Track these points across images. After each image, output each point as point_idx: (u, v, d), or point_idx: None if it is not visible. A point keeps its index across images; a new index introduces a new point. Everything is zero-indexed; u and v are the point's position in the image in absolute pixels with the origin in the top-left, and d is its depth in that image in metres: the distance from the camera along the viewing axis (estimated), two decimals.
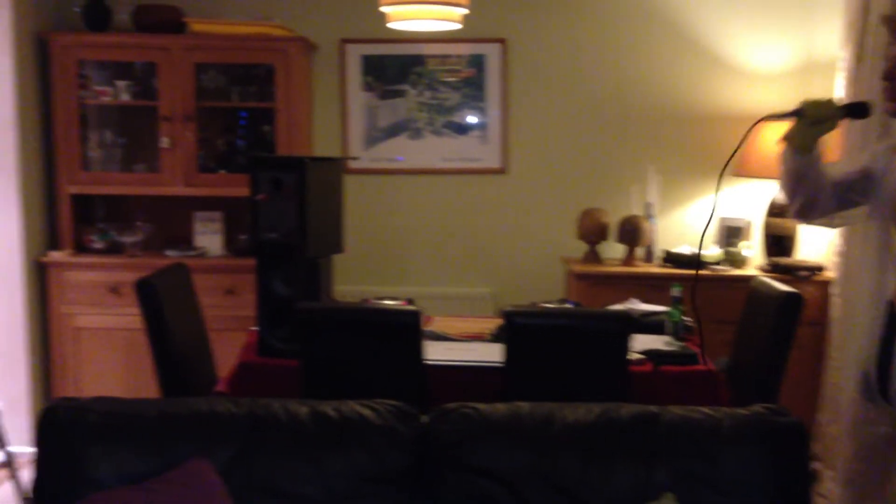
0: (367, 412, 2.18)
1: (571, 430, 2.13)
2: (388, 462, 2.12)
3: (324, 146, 4.64)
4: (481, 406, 2.22)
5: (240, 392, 3.05)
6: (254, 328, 3.37)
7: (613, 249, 4.50)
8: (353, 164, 4.58)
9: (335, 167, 3.44)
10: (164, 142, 4.28)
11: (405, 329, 2.84)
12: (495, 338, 3.25)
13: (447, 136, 4.66)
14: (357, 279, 4.55)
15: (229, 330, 4.00)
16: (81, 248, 4.42)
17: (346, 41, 4.60)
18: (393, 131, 4.67)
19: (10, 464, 2.72)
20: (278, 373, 3.06)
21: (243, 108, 4.46)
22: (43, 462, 2.11)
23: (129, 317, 4.13)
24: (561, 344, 2.83)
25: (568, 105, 4.65)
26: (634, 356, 2.97)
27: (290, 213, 3.05)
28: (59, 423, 2.09)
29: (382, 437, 2.14)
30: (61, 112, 4.29)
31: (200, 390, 3.38)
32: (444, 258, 4.73)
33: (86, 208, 4.49)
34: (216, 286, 4.22)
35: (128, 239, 4.42)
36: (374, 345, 2.86)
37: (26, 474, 2.77)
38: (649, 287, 4.06)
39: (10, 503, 3.53)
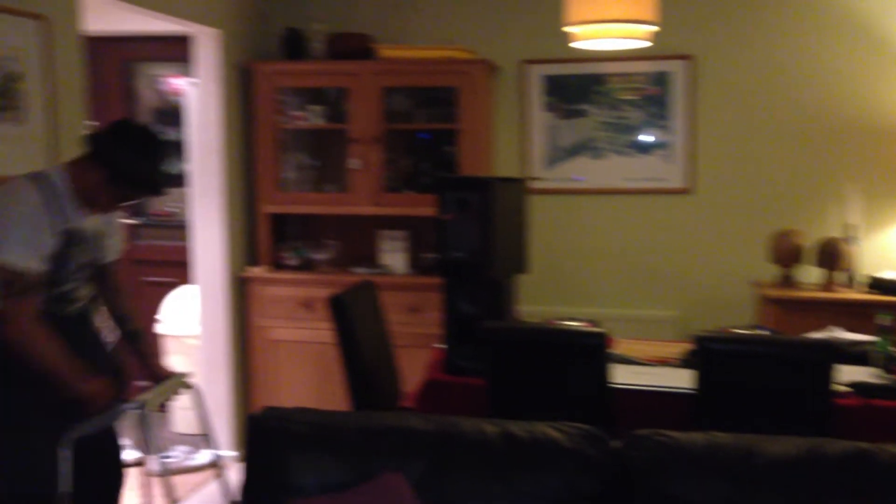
0: (556, 434, 2.17)
1: (774, 464, 2.03)
2: (578, 486, 2.10)
3: (505, 166, 4.69)
4: (676, 434, 2.15)
5: (426, 408, 3.12)
6: (439, 346, 3.44)
7: (808, 274, 4.26)
8: (534, 185, 4.59)
9: (519, 187, 3.46)
10: (354, 163, 4.47)
11: (591, 351, 2.80)
12: (684, 363, 3.15)
13: (629, 156, 4.59)
14: (539, 300, 4.54)
15: (413, 346, 4.10)
16: (277, 264, 4.67)
17: (527, 62, 4.64)
18: (574, 151, 4.65)
19: (218, 466, 2.90)
20: (464, 391, 3.10)
21: (427, 129, 4.58)
22: (250, 467, 2.24)
23: (319, 330, 4.34)
24: (758, 372, 2.71)
25: (759, 121, 4.46)
26: (839, 388, 2.80)
27: (476, 233, 3.09)
28: (265, 431, 2.21)
29: (573, 461, 2.12)
30: (262, 136, 4.57)
31: (387, 403, 3.49)
32: (626, 279, 4.65)
33: (281, 227, 4.74)
34: (401, 303, 4.34)
35: (319, 256, 4.64)
36: (560, 366, 2.85)
37: (230, 476, 2.95)
38: (849, 314, 3.83)
39: (216, 501, 3.77)
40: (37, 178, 2.54)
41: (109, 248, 2.81)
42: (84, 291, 2.71)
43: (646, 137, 4.56)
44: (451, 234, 3.15)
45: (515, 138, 4.70)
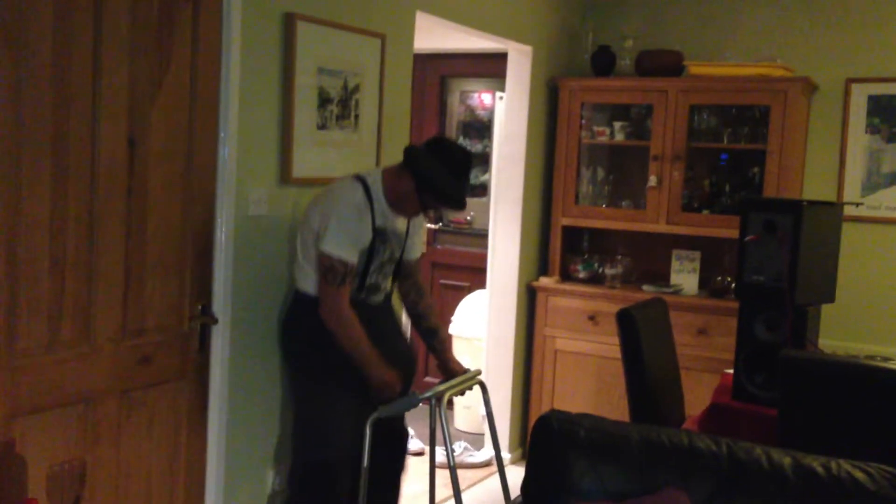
0: (859, 475, 2.02)
1: None
2: None
3: (815, 190, 4.41)
4: None
5: (709, 432, 3.01)
6: (728, 371, 3.32)
7: None
8: (847, 211, 4.27)
9: (833, 213, 3.25)
10: (652, 180, 4.43)
11: None
12: None
13: None
14: (842, 334, 4.21)
15: (698, 370, 3.99)
16: (566, 276, 4.75)
17: (851, 81, 4.33)
18: None
19: (500, 464, 3.01)
20: (753, 418, 2.97)
21: (732, 149, 4.43)
22: (533, 466, 2.30)
23: (603, 345, 4.36)
24: None
25: None
26: None
27: (781, 257, 2.95)
28: (551, 431, 2.27)
29: None
30: (563, 150, 4.68)
31: (668, 423, 3.41)
32: None
33: (573, 240, 4.82)
34: (689, 325, 4.23)
35: (608, 271, 4.65)
36: (865, 404, 2.63)
37: (509, 475, 3.05)
38: None
39: (494, 497, 3.91)
40: (361, 180, 2.83)
41: (413, 247, 3.06)
42: (387, 284, 2.97)
43: None
44: (753, 256, 3.04)
45: (830, 161, 4.40)
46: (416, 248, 3.11)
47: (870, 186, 4.33)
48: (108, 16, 2.35)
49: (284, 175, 3.00)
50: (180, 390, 2.71)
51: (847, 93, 4.34)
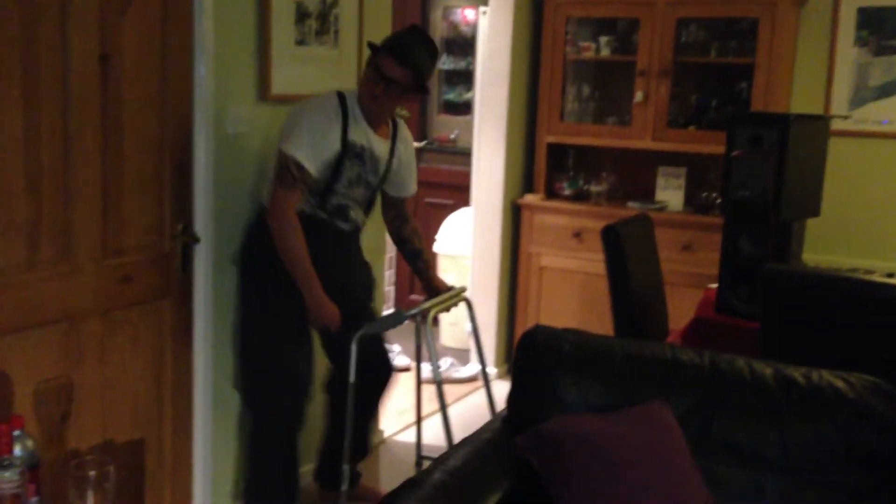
0: (839, 384, 2.05)
1: None
2: (858, 439, 1.97)
3: (803, 105, 4.36)
4: None
5: (693, 345, 3.05)
6: (712, 286, 3.34)
7: None
8: (833, 125, 4.24)
9: (820, 127, 3.23)
10: (638, 96, 4.38)
11: (888, 304, 2.58)
12: None
13: None
14: (827, 248, 4.22)
15: (683, 285, 4.02)
16: (552, 193, 4.73)
17: None
18: (885, 91, 4.22)
19: (486, 379, 3.05)
20: (734, 332, 3.01)
21: (720, 63, 4.37)
22: (518, 380, 2.32)
23: (587, 261, 4.37)
24: None
25: None
26: None
27: (767, 172, 2.94)
28: (536, 346, 2.28)
29: (855, 414, 1.99)
30: (547, 66, 4.60)
31: (652, 338, 3.45)
32: None
33: (558, 157, 4.78)
34: (674, 241, 4.24)
35: (594, 188, 4.63)
36: (849, 317, 2.65)
37: (494, 390, 3.09)
38: None
39: (480, 411, 3.98)
40: (339, 93, 2.77)
41: (403, 184, 2.99)
42: (358, 214, 2.89)
43: None
44: (739, 172, 3.03)
45: (818, 74, 4.35)
46: (408, 185, 3.03)
47: (857, 100, 4.29)
48: None
49: (263, 92, 2.93)
50: (163, 309, 2.69)
51: (837, 5, 4.26)
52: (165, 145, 2.63)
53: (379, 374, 3.09)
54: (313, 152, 2.65)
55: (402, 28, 2.84)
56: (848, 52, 4.28)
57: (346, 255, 2.91)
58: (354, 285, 2.96)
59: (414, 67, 2.69)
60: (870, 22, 4.21)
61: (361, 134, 2.76)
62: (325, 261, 2.74)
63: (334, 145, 2.69)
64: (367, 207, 2.95)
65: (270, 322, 2.82)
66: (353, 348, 2.71)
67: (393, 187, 3.00)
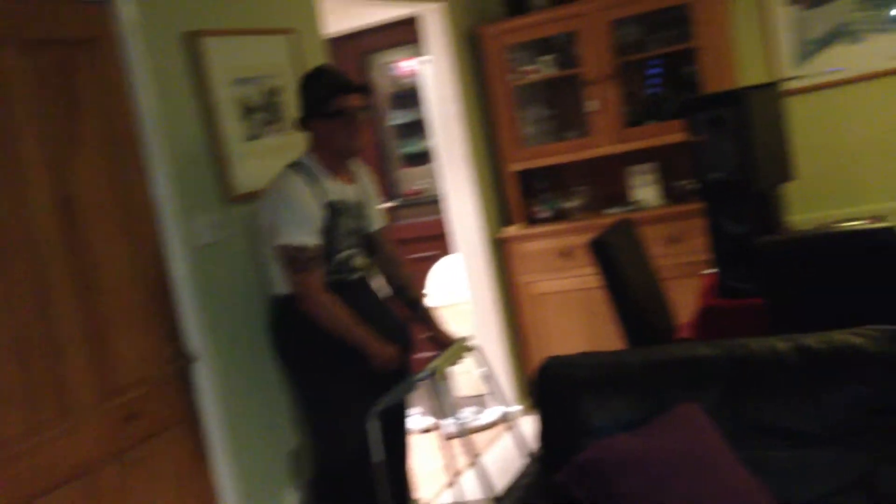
0: (858, 341, 2.03)
1: None
2: (891, 391, 1.95)
3: (750, 75, 4.39)
4: None
5: (705, 335, 3.03)
6: (708, 271, 3.33)
7: None
8: (789, 85, 4.27)
9: (774, 92, 3.24)
10: (591, 105, 4.40)
11: (882, 249, 2.58)
12: None
13: (893, 32, 4.12)
14: (811, 206, 4.22)
15: (679, 277, 4.00)
16: (531, 219, 4.73)
17: None
18: (828, 40, 4.25)
19: (509, 420, 3.01)
20: (742, 313, 2.98)
21: (661, 55, 4.41)
22: (544, 417, 2.29)
23: (582, 277, 4.35)
24: None
25: None
26: None
27: (734, 149, 2.94)
28: (553, 380, 2.26)
29: (881, 366, 1.97)
30: (496, 98, 4.62)
31: (663, 338, 3.42)
32: None
33: (529, 182, 4.79)
34: (660, 235, 4.23)
35: (570, 204, 4.64)
36: (846, 270, 2.65)
37: (521, 428, 3.05)
38: None
39: (512, 453, 3.92)
40: (294, 165, 2.81)
41: (372, 217, 3.01)
42: (360, 260, 2.92)
43: None
44: (707, 155, 3.03)
45: (757, 42, 4.39)
46: (375, 217, 3.05)
47: (803, 55, 4.33)
48: (8, 80, 2.27)
49: (226, 195, 2.92)
50: (175, 438, 2.64)
51: None
52: (140, 273, 2.61)
53: (395, 443, 3.04)
54: (306, 228, 2.69)
55: (309, 75, 2.86)
56: (781, 11, 4.32)
57: (370, 302, 2.93)
58: (392, 326, 2.95)
59: (360, 86, 2.82)
60: None
61: (335, 189, 2.81)
62: (360, 315, 2.77)
63: (320, 211, 2.73)
64: (366, 250, 2.98)
65: (337, 395, 2.81)
66: (374, 425, 2.66)
67: (369, 224, 3.01)
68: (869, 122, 4.26)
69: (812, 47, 4.30)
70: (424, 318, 3.07)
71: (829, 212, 4.12)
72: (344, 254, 2.84)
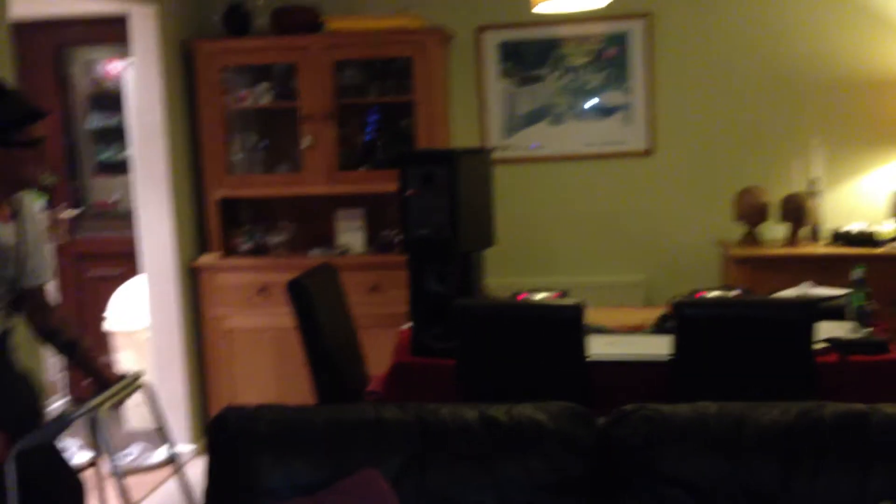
0: (540, 416, 2.06)
1: (767, 433, 1.94)
2: (565, 469, 1.99)
3: (462, 137, 4.55)
4: (663, 407, 2.05)
5: (395, 392, 2.99)
6: (405, 326, 3.31)
7: (774, 230, 4.21)
8: (496, 154, 4.46)
9: (484, 158, 3.33)
10: (306, 141, 4.28)
11: (567, 324, 2.70)
12: (657, 329, 3.06)
13: (589, 120, 4.48)
14: (505, 271, 4.42)
15: (376, 327, 3.96)
16: (230, 250, 4.48)
17: (483, 28, 4.48)
18: (533, 118, 4.53)
19: (176, 463, 2.74)
20: (434, 372, 2.98)
21: (381, 103, 4.41)
22: (214, 470, 2.09)
23: (277, 316, 4.17)
24: (737, 336, 2.64)
25: (719, 78, 4.38)
26: (817, 345, 2.73)
27: (442, 208, 2.96)
28: (229, 431, 2.06)
29: (558, 443, 2.01)
30: (207, 118, 4.35)
31: (354, 388, 3.35)
32: (592, 246, 4.56)
33: (231, 211, 4.55)
34: (361, 283, 4.19)
35: (273, 240, 4.46)
36: (535, 342, 2.74)
37: (189, 471, 2.79)
38: (816, 269, 3.77)
39: (176, 500, 3.62)
40: None
41: (33, 271, 2.51)
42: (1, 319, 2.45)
43: (605, 101, 4.46)
44: (415, 210, 3.02)
45: (472, 108, 4.56)
46: (39, 271, 2.53)
47: (510, 128, 4.55)
48: None
49: None
50: None
51: (480, 40, 4.50)
52: None
53: (73, 491, 2.65)
54: None
55: None
56: (496, 84, 4.53)
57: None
58: (12, 404, 2.49)
59: (43, 112, 2.37)
60: (511, 55, 4.50)
61: None
62: None
63: None
64: (10, 306, 2.51)
65: None
66: (9, 468, 2.27)
67: (26, 277, 2.51)
68: (562, 199, 4.56)
69: (520, 122, 4.55)
70: (83, 361, 2.66)
71: (523, 278, 4.33)
72: None
